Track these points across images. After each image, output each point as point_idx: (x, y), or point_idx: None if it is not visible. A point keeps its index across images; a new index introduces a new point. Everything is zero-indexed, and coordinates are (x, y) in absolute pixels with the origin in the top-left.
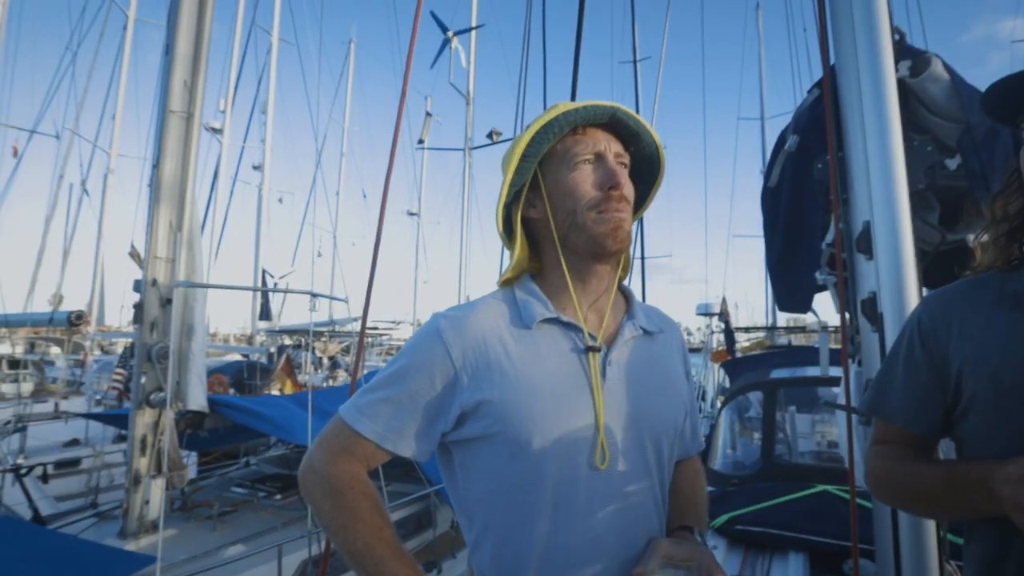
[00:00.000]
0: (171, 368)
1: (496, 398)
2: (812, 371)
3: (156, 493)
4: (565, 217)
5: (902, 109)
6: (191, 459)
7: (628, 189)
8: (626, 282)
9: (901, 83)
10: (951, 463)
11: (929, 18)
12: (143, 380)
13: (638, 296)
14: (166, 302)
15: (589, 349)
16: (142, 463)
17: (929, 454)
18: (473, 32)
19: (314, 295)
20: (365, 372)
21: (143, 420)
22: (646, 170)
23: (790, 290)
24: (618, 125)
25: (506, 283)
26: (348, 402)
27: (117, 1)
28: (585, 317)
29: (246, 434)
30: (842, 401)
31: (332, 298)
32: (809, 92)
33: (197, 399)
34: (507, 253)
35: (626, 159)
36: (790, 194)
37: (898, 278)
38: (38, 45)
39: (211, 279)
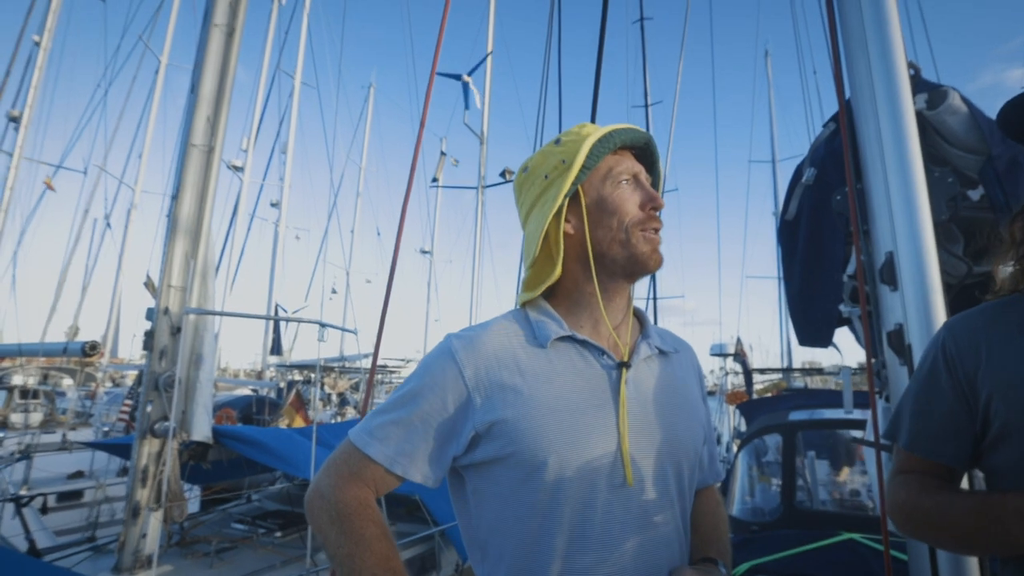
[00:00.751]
0: (176, 397)
1: (510, 417)
2: (831, 413)
3: (154, 526)
4: (606, 234)
5: (921, 141)
6: (193, 492)
7: None
8: None
9: (919, 115)
10: (984, 494)
11: (939, 63)
12: (149, 409)
13: None
14: (176, 330)
15: (621, 365)
16: (142, 494)
17: (955, 485)
18: (488, 73)
19: (323, 325)
20: (373, 408)
21: (146, 450)
22: None
23: (811, 324)
24: (645, 153)
25: (526, 303)
26: (358, 425)
27: (151, 47)
28: (605, 336)
29: (250, 468)
30: (871, 438)
31: (341, 329)
32: (825, 126)
33: (202, 430)
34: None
35: (650, 183)
36: (808, 226)
37: (925, 308)
38: (67, 83)
39: (226, 311)
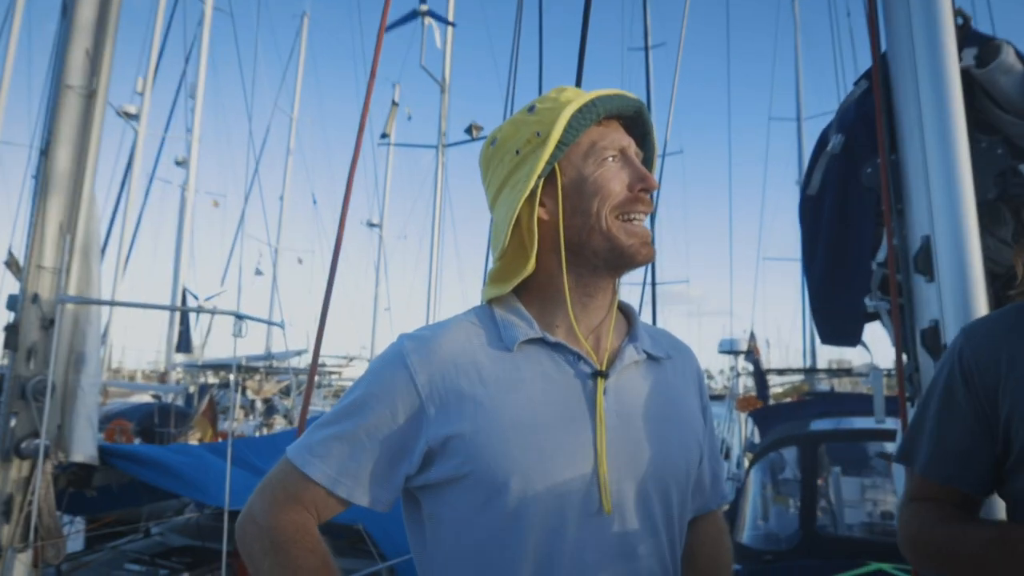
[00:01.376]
0: (49, 407)
1: (467, 432)
2: (861, 422)
3: (20, 571)
4: (585, 220)
5: (967, 105)
6: (75, 527)
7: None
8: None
9: (966, 74)
10: (1003, 526)
11: (999, 10)
12: (13, 423)
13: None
14: (49, 323)
15: (597, 374)
16: (5, 531)
17: (974, 513)
18: (451, 4)
19: (240, 316)
20: (309, 416)
21: (11, 474)
22: None
23: (834, 320)
24: (636, 122)
25: (492, 300)
26: (297, 441)
27: None
28: (589, 339)
29: (149, 494)
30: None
31: (263, 321)
32: (856, 84)
33: (84, 448)
34: (480, 269)
35: (641, 158)
36: (834, 204)
37: (965, 303)
38: None
39: (117, 298)
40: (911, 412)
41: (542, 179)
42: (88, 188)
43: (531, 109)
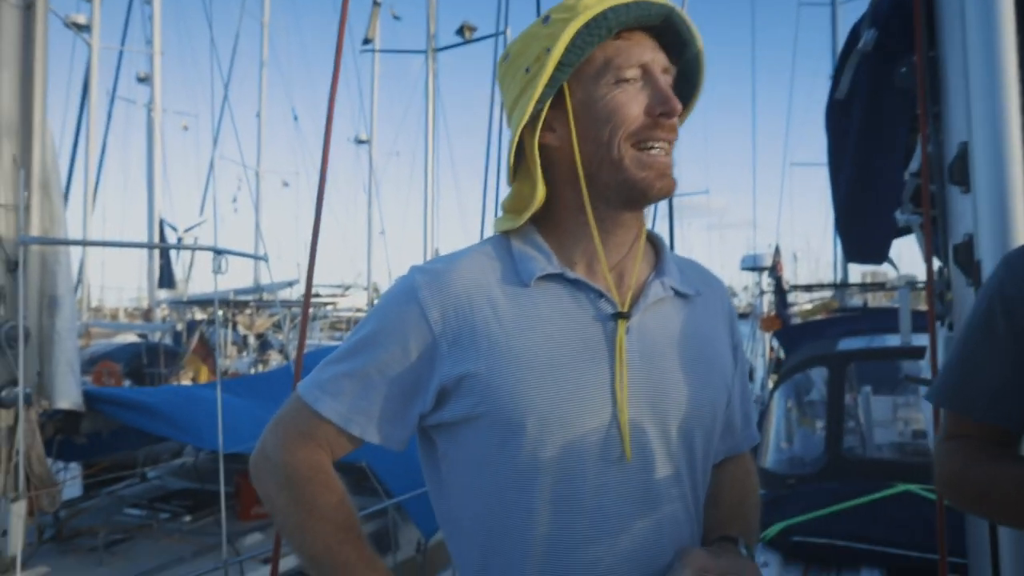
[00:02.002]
0: (21, 354)
1: (482, 370)
2: (893, 340)
3: (16, 521)
4: (596, 149)
5: None
6: (69, 473)
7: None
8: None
9: None
10: None
11: None
12: None
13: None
14: (14, 266)
15: (618, 315)
16: None
17: (1013, 450)
18: None
19: (219, 251)
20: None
21: None
22: (682, 87)
23: (861, 236)
24: (667, 30)
25: (506, 232)
26: (307, 377)
27: None
28: (604, 275)
29: (142, 438)
30: (927, 375)
31: (245, 255)
32: None
33: (68, 394)
34: (499, 192)
35: (671, 76)
36: (864, 109)
37: (1002, 215)
38: None
39: (89, 234)
40: (941, 332)
41: (547, 102)
42: (39, 114)
43: (546, 20)
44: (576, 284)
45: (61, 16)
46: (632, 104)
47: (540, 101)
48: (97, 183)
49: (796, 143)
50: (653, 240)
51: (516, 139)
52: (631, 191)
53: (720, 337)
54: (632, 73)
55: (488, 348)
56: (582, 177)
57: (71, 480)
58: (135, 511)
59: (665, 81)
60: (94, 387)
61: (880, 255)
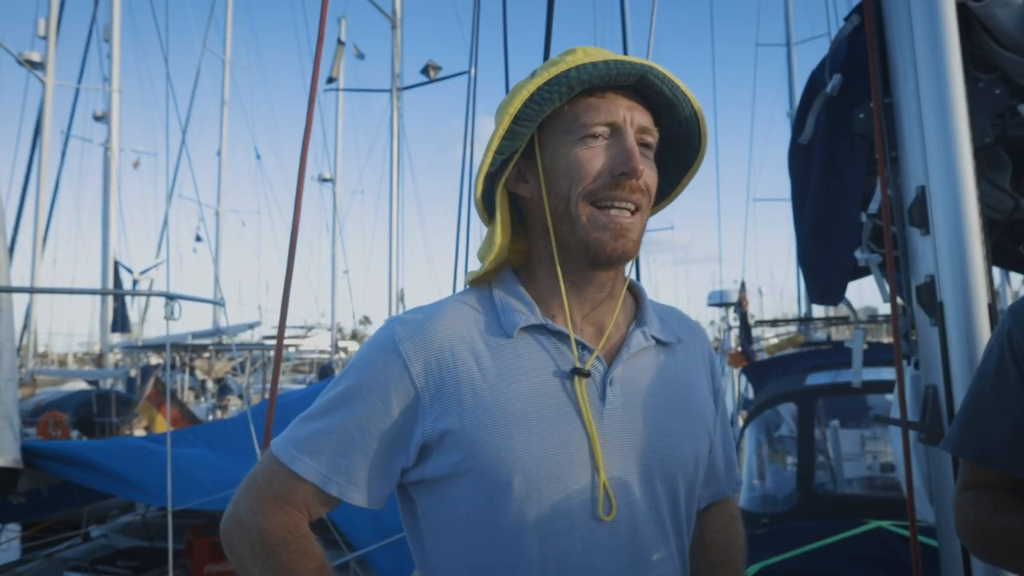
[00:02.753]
0: None
1: (467, 426)
2: (867, 374)
3: None
4: (558, 203)
5: (964, 42)
6: (5, 535)
7: (647, 176)
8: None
9: (962, 8)
10: None
11: None
12: None
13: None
14: None
15: (576, 372)
16: None
17: None
18: None
19: (171, 297)
20: (264, 396)
21: None
22: (680, 149)
23: (821, 276)
24: (648, 91)
25: (479, 281)
26: (282, 435)
27: None
28: (581, 328)
29: (86, 495)
30: (896, 414)
31: (199, 300)
32: (847, 19)
33: (5, 449)
34: (471, 232)
35: (653, 136)
36: (826, 152)
37: (961, 257)
38: None
39: (39, 278)
40: (908, 371)
41: (515, 153)
42: None
43: (533, 75)
44: (559, 335)
45: (15, 53)
46: (594, 161)
47: (501, 152)
48: (48, 224)
49: (758, 178)
50: (633, 289)
51: (480, 186)
52: (587, 250)
53: (702, 384)
54: (599, 130)
55: (473, 402)
56: (551, 230)
57: (9, 541)
58: (74, 574)
59: (636, 140)
60: (35, 441)
61: (837, 295)
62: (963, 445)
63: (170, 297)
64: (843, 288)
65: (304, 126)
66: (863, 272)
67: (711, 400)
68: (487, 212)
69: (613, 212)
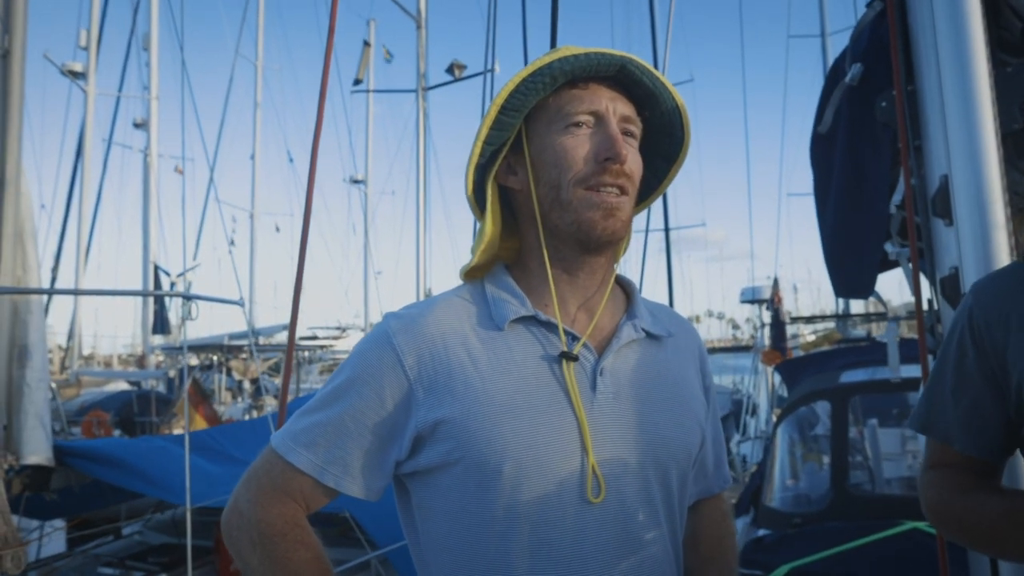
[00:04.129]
0: None
1: (458, 416)
2: (902, 371)
3: None
4: (548, 191)
5: (991, 25)
6: (46, 529)
7: (632, 163)
8: (627, 266)
9: None
10: (1017, 495)
11: None
12: None
13: (660, 282)
14: None
15: (564, 356)
16: None
17: (995, 477)
18: None
19: (188, 298)
20: (299, 395)
21: None
22: (665, 142)
23: (848, 270)
24: (629, 81)
25: (472, 273)
26: (282, 429)
27: None
28: (574, 318)
29: (116, 493)
30: None
31: (216, 300)
32: (869, 6)
33: (37, 448)
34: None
35: (636, 126)
36: (848, 142)
37: (985, 248)
38: None
39: (84, 279)
40: (933, 364)
41: (504, 145)
42: (14, 163)
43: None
44: (549, 326)
45: (58, 64)
46: (580, 149)
47: (490, 143)
48: (92, 229)
49: (791, 173)
50: (623, 284)
51: (471, 179)
52: (578, 231)
53: (692, 379)
54: (583, 119)
55: (464, 393)
56: (539, 219)
57: (54, 531)
58: (108, 570)
59: (619, 128)
60: (64, 441)
61: (866, 289)
62: (925, 425)
63: (187, 298)
64: (872, 282)
65: (317, 129)
66: (892, 264)
67: (703, 396)
68: (479, 207)
69: (603, 193)
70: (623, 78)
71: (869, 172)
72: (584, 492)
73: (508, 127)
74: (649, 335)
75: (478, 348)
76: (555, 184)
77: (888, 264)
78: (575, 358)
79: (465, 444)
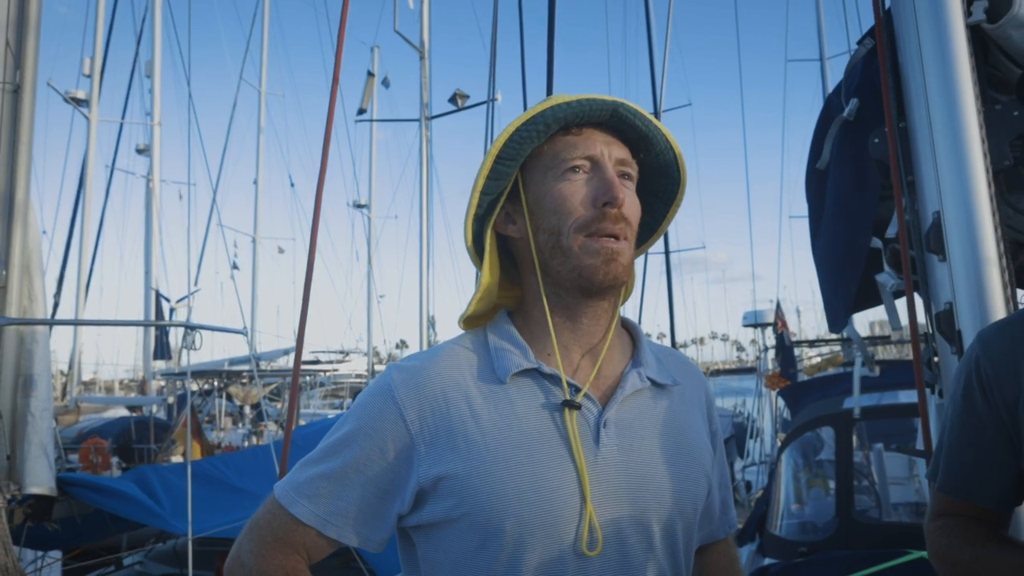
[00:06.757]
0: None
1: (460, 472)
2: (906, 395)
3: None
4: (548, 239)
5: (980, 64)
6: (49, 559)
7: (629, 205)
8: (628, 305)
9: (977, 30)
10: None
11: None
12: None
13: (661, 305)
14: None
15: (566, 404)
16: None
17: (1002, 527)
18: None
19: (191, 327)
20: (302, 423)
21: None
22: (662, 182)
23: (836, 302)
24: (622, 125)
25: (470, 322)
26: (285, 479)
27: None
28: (577, 366)
29: (117, 523)
30: (921, 445)
31: (219, 329)
32: (860, 43)
33: (40, 478)
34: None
35: (632, 169)
36: (838, 176)
37: (978, 283)
38: None
39: (86, 305)
40: (932, 400)
41: (501, 194)
42: (23, 195)
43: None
44: (552, 379)
45: (61, 92)
46: (577, 194)
47: (487, 193)
48: (94, 254)
49: (792, 195)
50: (629, 328)
51: (470, 230)
52: (579, 277)
53: (699, 426)
54: (579, 163)
55: (466, 448)
56: (538, 267)
57: (52, 563)
58: None
59: (616, 172)
60: (69, 472)
61: (840, 323)
62: (935, 474)
63: (190, 328)
64: (846, 315)
65: (323, 158)
66: (875, 300)
67: (709, 442)
68: (479, 256)
69: (603, 239)
70: (616, 122)
71: (854, 206)
72: (580, 544)
73: (505, 176)
74: (655, 384)
75: (480, 402)
76: (555, 231)
77: (871, 299)
78: (578, 406)
79: (467, 501)
